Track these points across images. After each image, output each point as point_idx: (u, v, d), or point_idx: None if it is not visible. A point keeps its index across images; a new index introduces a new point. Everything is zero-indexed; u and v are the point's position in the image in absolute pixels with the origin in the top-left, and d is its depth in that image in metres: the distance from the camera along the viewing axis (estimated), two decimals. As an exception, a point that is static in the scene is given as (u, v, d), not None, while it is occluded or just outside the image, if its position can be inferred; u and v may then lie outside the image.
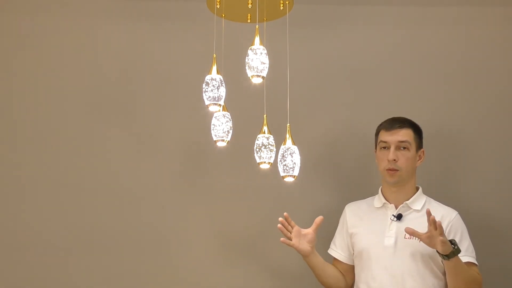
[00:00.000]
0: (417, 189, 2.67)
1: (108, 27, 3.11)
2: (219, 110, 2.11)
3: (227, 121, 2.13)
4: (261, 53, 2.00)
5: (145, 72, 3.09)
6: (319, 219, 2.60)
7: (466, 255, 2.54)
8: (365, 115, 3.05)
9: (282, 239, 2.57)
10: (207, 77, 2.04)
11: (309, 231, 2.60)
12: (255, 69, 2.00)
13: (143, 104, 3.08)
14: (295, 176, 2.14)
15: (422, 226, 2.43)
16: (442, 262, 2.48)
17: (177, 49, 3.09)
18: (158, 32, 3.10)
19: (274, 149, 2.13)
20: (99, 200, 3.01)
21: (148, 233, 3.01)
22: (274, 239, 3.00)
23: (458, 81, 3.11)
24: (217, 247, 3.02)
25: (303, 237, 2.59)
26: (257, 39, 2.02)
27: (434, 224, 2.37)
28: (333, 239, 2.76)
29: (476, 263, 2.56)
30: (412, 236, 2.49)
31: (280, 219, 2.57)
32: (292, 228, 2.59)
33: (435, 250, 2.44)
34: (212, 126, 2.13)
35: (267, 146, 2.11)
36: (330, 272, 2.68)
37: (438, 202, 2.67)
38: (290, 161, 2.12)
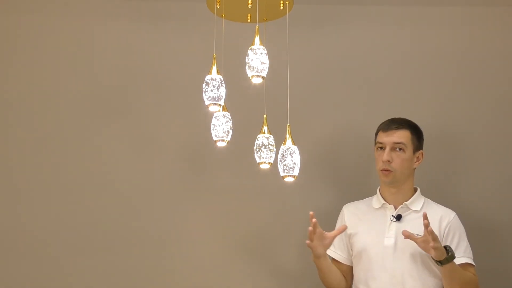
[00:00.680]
0: (416, 190, 2.68)
1: (108, 27, 3.11)
2: (219, 110, 2.11)
3: (227, 121, 2.12)
4: (261, 53, 2.00)
5: (145, 72, 3.09)
6: (343, 227, 2.57)
7: (464, 256, 2.55)
8: (365, 115, 3.05)
9: (307, 242, 2.49)
10: (207, 77, 2.04)
11: (331, 236, 2.53)
12: (255, 69, 2.00)
13: (143, 104, 3.08)
14: (295, 176, 2.13)
15: (421, 227, 2.43)
16: (435, 267, 2.48)
17: (177, 49, 3.09)
18: (158, 32, 3.10)
19: (274, 149, 2.13)
20: (99, 200, 3.01)
21: (148, 233, 3.01)
22: (274, 239, 3.02)
23: (459, 82, 3.11)
24: (217, 247, 3.02)
25: (323, 239, 2.53)
26: (257, 39, 2.02)
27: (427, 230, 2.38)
28: (331, 240, 2.76)
29: (473, 263, 2.57)
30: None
31: (314, 220, 2.48)
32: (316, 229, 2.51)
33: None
34: (212, 126, 2.13)
35: (267, 146, 2.11)
36: (335, 273, 2.67)
37: (436, 203, 2.68)
38: (290, 161, 2.12)
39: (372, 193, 2.73)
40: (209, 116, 2.15)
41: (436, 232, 2.53)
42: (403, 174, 2.62)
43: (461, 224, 2.62)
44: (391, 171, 2.60)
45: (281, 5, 2.20)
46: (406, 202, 2.63)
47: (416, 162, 2.66)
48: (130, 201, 3.02)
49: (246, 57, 2.01)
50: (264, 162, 2.12)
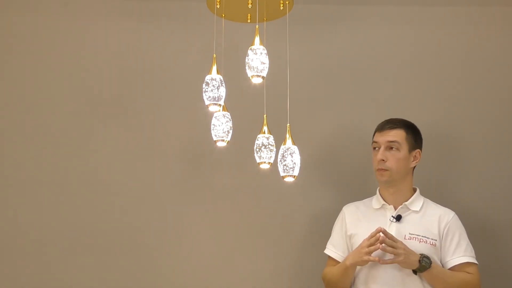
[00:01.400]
0: (415, 190, 2.68)
1: (108, 27, 3.11)
2: (219, 110, 2.11)
3: (227, 121, 2.13)
4: (261, 53, 2.00)
5: (145, 72, 3.09)
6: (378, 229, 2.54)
7: (465, 255, 2.55)
8: (365, 115, 3.05)
9: (380, 261, 2.48)
10: (207, 77, 2.04)
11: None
12: (255, 69, 2.00)
13: (143, 104, 3.08)
14: (295, 176, 2.14)
15: (421, 227, 2.44)
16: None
17: (177, 49, 3.09)
18: (158, 32, 3.10)
19: (274, 149, 2.13)
20: (99, 200, 3.01)
21: (148, 233, 3.01)
22: (274, 238, 3.02)
23: (461, 82, 3.11)
24: (217, 247, 3.02)
25: None
26: (257, 39, 2.02)
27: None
28: (330, 240, 2.74)
29: (475, 262, 2.57)
30: (412, 237, 2.52)
31: (382, 237, 2.47)
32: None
33: (434, 251, 2.49)
34: (212, 126, 2.14)
35: (267, 146, 2.11)
36: (352, 277, 2.66)
37: (435, 203, 2.68)
38: (290, 161, 2.12)
39: (372, 194, 2.73)
40: (209, 116, 2.15)
41: (435, 232, 2.55)
42: (399, 173, 2.61)
43: (460, 224, 2.61)
44: (386, 170, 2.60)
45: (281, 5, 2.21)
46: (406, 203, 2.63)
47: (413, 161, 2.65)
48: (130, 201, 3.02)
49: (246, 57, 2.01)
50: (264, 162, 2.12)
